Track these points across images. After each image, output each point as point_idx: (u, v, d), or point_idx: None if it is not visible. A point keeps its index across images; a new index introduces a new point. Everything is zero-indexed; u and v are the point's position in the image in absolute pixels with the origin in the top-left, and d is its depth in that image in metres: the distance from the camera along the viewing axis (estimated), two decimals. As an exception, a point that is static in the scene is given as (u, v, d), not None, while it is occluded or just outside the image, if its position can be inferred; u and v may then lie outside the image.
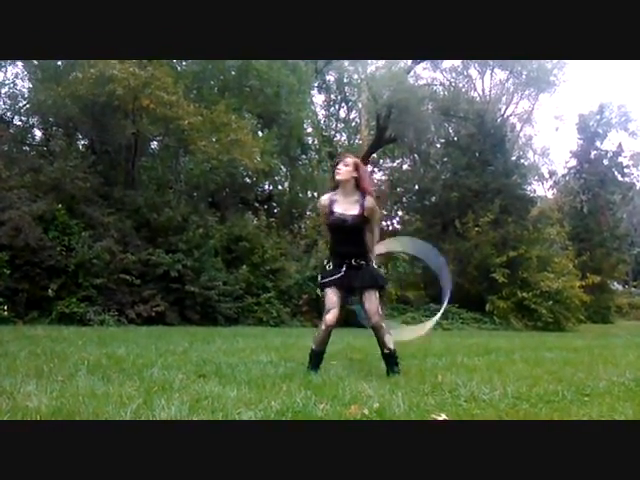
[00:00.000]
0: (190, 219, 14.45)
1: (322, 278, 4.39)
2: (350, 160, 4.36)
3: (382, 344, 4.29)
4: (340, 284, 4.28)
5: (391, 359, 4.30)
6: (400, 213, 27.83)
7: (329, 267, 4.37)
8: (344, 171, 4.29)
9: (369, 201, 4.30)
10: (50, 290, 11.62)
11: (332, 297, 4.27)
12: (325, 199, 4.44)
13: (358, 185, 4.33)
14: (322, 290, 4.38)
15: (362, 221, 4.31)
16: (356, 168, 4.32)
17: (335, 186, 4.43)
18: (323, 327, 4.28)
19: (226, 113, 14.57)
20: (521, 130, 31.00)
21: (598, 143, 32.53)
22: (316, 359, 4.35)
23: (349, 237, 4.33)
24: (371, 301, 4.27)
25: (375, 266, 4.42)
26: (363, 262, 4.30)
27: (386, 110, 20.94)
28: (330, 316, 4.24)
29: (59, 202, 12.48)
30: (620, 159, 32.94)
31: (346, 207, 4.31)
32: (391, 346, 4.29)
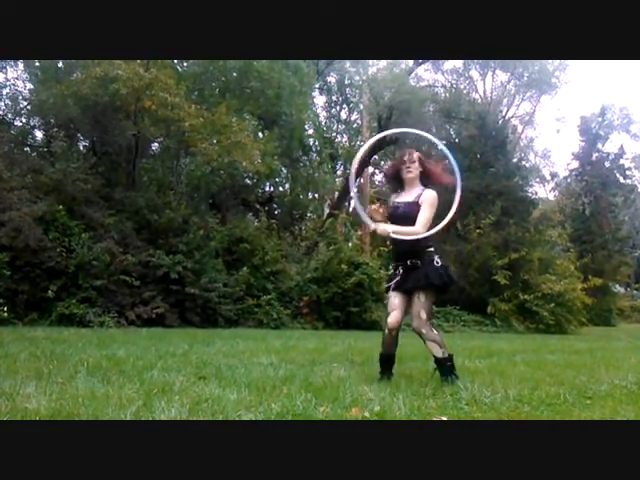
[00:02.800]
0: (191, 221, 14.44)
1: (387, 283, 4.33)
2: (416, 156, 4.24)
3: (429, 351, 4.08)
4: (399, 286, 4.13)
5: (440, 368, 4.04)
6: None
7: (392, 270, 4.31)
8: (414, 168, 4.19)
9: (427, 192, 4.12)
10: (50, 291, 11.61)
11: (393, 300, 4.13)
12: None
13: (423, 180, 4.22)
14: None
15: (416, 210, 4.07)
16: (421, 163, 4.23)
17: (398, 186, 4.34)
18: (386, 331, 4.15)
19: (227, 115, 14.57)
20: (522, 132, 31.03)
21: (600, 145, 32.61)
22: (385, 363, 4.20)
23: None
24: (415, 303, 4.05)
25: (437, 263, 4.10)
26: (418, 262, 4.06)
27: (387, 111, 20.94)
28: (391, 319, 4.09)
29: (60, 203, 12.49)
30: (622, 161, 33.02)
31: (405, 197, 4.20)
32: (438, 355, 4.01)
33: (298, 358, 5.45)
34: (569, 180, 33.99)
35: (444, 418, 2.80)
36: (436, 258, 4.10)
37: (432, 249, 4.14)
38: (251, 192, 20.14)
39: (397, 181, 4.32)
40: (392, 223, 4.12)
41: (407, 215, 4.07)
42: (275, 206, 22.43)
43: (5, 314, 10.87)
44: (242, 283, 14.27)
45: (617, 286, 31.77)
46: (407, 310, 4.15)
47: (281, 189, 23.23)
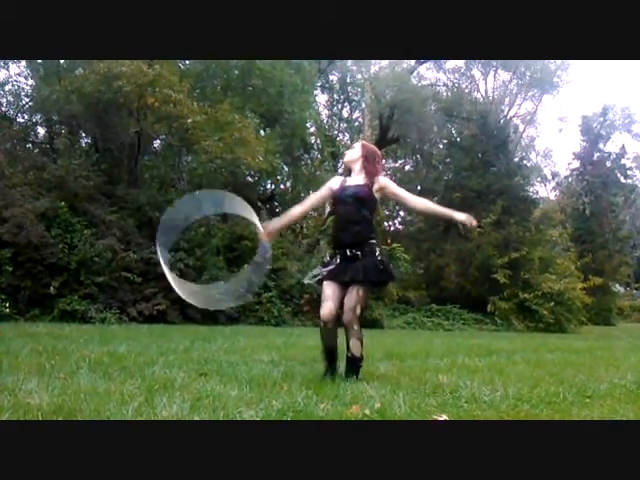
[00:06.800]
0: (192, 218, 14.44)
1: (319, 270, 4.06)
2: (357, 144, 4.28)
3: (347, 346, 3.92)
4: (335, 277, 3.91)
5: (351, 364, 3.91)
6: (402, 214, 27.78)
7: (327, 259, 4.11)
8: (350, 152, 4.23)
9: (378, 180, 4.09)
10: (52, 287, 11.64)
11: (326, 290, 3.90)
12: (335, 179, 4.28)
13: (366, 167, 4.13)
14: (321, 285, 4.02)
15: (367, 195, 4.02)
16: (363, 150, 4.19)
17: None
18: (321, 324, 3.91)
19: (230, 112, 14.56)
20: (524, 131, 30.93)
21: (601, 145, 32.55)
22: (329, 356, 4.00)
23: (349, 217, 3.98)
24: (351, 296, 3.83)
25: (378, 257, 3.97)
26: (359, 253, 3.90)
27: (389, 110, 20.93)
28: (324, 310, 3.85)
29: (62, 200, 12.51)
30: (623, 161, 32.97)
31: (354, 181, 4.13)
32: (356, 353, 3.87)
33: (299, 355, 5.47)
34: (570, 180, 33.94)
35: (444, 416, 2.82)
36: (378, 250, 4.00)
37: (375, 241, 4.03)
38: (252, 190, 20.13)
39: (347, 170, 4.28)
40: (338, 203, 4.10)
41: (358, 199, 4.00)
42: (276, 204, 22.42)
43: (7, 310, 10.90)
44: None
45: (617, 285, 31.77)
46: (342, 301, 3.89)
47: (282, 187, 23.23)
